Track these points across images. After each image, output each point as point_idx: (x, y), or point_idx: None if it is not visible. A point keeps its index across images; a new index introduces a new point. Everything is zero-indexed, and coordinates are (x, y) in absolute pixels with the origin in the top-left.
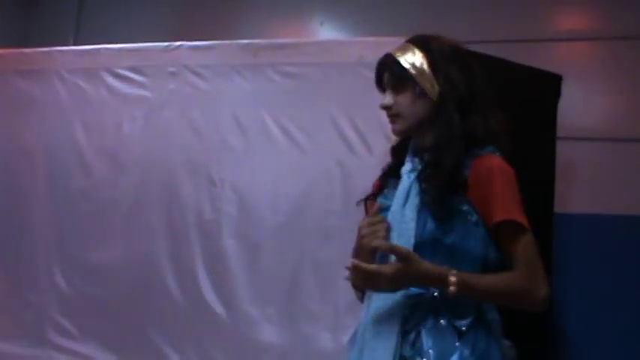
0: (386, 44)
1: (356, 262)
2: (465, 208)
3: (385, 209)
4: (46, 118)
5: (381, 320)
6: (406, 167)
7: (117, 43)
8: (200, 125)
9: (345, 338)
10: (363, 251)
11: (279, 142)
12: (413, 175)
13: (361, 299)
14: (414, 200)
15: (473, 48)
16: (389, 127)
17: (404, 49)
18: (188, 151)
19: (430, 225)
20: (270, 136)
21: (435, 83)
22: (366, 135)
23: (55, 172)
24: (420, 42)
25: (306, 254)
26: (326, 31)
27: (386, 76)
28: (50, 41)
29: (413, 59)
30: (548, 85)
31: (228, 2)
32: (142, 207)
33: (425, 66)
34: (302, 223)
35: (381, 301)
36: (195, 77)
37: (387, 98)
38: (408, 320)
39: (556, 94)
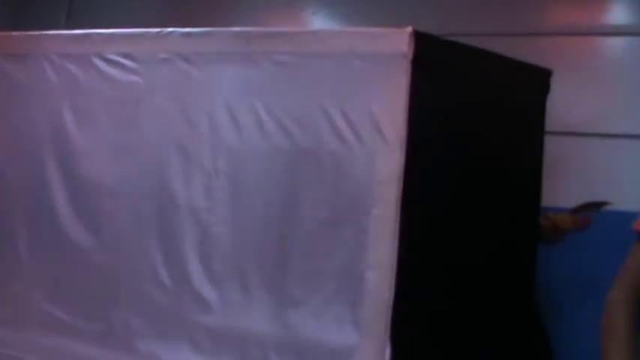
0: (377, 35)
1: None
2: None
3: None
4: (35, 102)
5: None
6: None
7: (109, 27)
8: (192, 113)
9: (333, 326)
10: None
11: (271, 131)
12: None
13: None
14: None
15: (463, 40)
16: (380, 118)
17: None
18: (180, 139)
19: None
20: (261, 124)
21: None
22: (357, 125)
23: (41, 158)
24: None
25: (297, 242)
26: (318, 21)
27: None
28: (42, 25)
29: None
30: (538, 80)
31: None
32: (132, 193)
33: None
34: (293, 212)
35: None
36: (186, 64)
37: None
38: None
39: (545, 88)
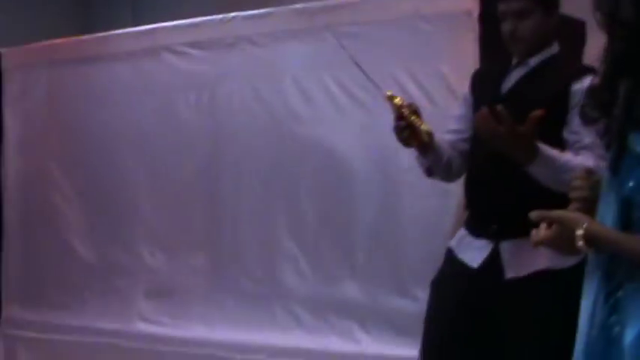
0: None
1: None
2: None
3: None
4: (110, 102)
5: (587, 274)
6: None
7: (170, 20)
8: (264, 93)
9: None
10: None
11: (344, 104)
12: None
13: None
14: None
15: None
16: (450, 78)
17: None
18: (256, 120)
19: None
20: (333, 98)
21: None
22: (428, 88)
23: (127, 156)
24: None
25: (394, 205)
26: None
27: None
28: (108, 25)
29: None
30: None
31: None
32: (218, 178)
33: None
34: (381, 179)
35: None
36: (253, 46)
37: None
38: (610, 278)
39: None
